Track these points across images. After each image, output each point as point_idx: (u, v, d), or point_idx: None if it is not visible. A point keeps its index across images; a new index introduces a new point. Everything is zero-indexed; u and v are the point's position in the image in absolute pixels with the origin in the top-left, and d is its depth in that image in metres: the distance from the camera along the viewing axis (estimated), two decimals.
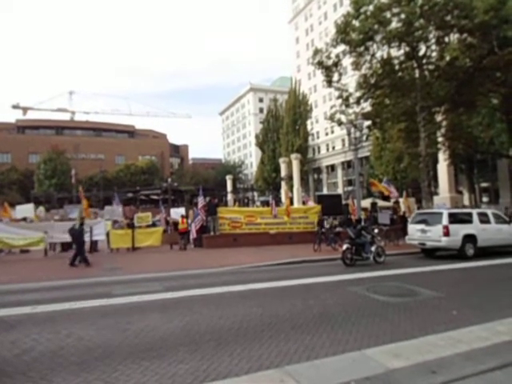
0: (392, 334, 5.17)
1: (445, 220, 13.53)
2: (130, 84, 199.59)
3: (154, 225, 21.38)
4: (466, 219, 14.05)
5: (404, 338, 4.91)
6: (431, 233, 13.83)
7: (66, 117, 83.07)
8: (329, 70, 19.84)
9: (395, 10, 17.73)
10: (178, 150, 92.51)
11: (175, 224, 20.80)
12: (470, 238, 13.53)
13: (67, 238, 15.93)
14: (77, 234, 13.99)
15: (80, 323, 6.11)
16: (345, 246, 12.33)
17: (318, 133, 63.26)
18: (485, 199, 32.78)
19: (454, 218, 13.81)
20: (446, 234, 13.35)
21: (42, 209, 26.06)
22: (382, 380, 3.66)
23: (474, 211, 14.67)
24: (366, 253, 12.27)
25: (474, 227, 13.80)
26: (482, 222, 14.09)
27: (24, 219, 20.85)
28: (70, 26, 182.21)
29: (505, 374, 3.76)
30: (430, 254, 14.63)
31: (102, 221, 18.92)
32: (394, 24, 18.01)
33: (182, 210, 23.92)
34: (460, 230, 13.49)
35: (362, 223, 15.03)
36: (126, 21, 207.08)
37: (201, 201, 19.51)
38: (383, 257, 12.53)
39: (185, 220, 19.54)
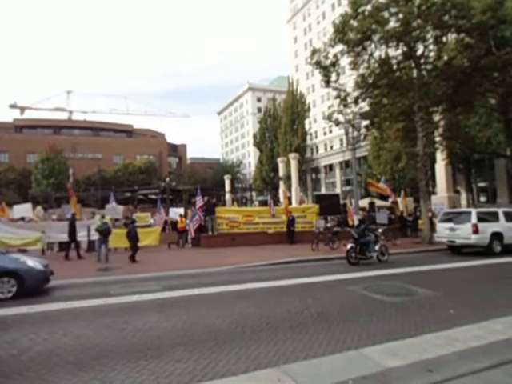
0: (389, 333, 5.19)
1: (474, 219, 14.08)
2: (128, 84, 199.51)
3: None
4: (492, 218, 14.59)
5: (401, 336, 4.93)
6: (460, 231, 14.38)
7: (63, 116, 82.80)
8: (327, 69, 19.82)
9: (393, 10, 17.75)
10: (176, 150, 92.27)
11: (173, 223, 20.81)
12: (497, 236, 14.07)
13: (65, 237, 15.93)
14: (132, 233, 14.45)
15: (77, 323, 6.10)
16: (349, 246, 12.53)
17: (316, 132, 63.23)
18: (482, 199, 32.85)
19: (482, 217, 14.36)
20: (475, 231, 13.88)
21: (39, 208, 25.90)
22: (379, 379, 3.67)
23: (500, 210, 15.11)
24: (369, 252, 12.43)
25: (501, 225, 14.34)
26: (507, 220, 14.56)
27: (22, 219, 20.74)
28: (68, 25, 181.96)
29: (501, 373, 3.79)
30: (457, 250, 15.13)
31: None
32: (392, 24, 18.02)
33: (180, 210, 23.87)
34: (488, 228, 14.04)
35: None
36: (125, 20, 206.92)
37: (199, 200, 19.49)
38: (386, 255, 12.72)
39: (183, 219, 19.61)
